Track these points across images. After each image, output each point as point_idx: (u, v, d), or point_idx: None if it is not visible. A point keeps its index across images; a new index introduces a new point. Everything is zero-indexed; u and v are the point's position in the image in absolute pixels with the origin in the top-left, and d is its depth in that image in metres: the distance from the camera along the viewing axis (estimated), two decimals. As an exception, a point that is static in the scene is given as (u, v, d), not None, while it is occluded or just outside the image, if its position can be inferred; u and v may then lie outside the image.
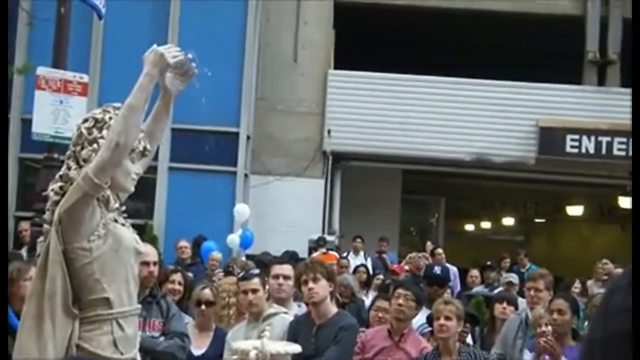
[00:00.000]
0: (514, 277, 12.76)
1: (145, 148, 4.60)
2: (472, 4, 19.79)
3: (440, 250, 16.11)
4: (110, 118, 4.46)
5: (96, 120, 4.50)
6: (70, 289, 4.27)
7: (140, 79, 4.36)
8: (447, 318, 6.70)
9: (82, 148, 4.47)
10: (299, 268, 6.86)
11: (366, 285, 13.11)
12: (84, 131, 4.48)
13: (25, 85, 16.96)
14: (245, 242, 16.01)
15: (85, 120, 4.55)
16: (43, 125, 11.46)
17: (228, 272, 10.23)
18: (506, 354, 7.77)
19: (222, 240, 15.62)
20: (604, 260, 13.78)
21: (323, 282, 6.50)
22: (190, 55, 4.50)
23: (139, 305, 4.68)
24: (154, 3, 18.32)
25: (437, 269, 8.98)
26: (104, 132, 4.41)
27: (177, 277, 8.06)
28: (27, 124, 15.17)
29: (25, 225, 13.23)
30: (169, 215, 17.71)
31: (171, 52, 4.41)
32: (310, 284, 6.50)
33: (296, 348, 5.41)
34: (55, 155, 11.05)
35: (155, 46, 4.44)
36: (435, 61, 19.50)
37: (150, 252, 6.43)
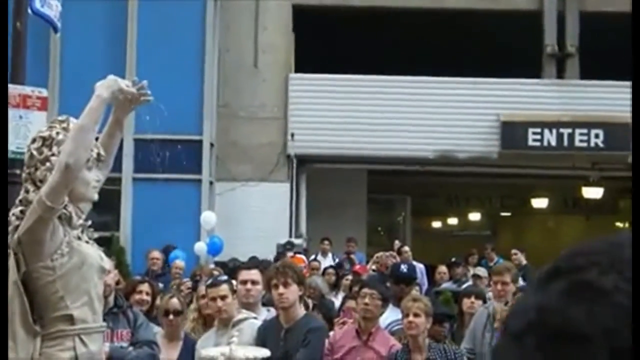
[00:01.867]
0: (481, 271, 12.84)
1: (99, 154, 4.60)
2: (430, 3, 20.03)
3: (406, 248, 16.15)
4: (58, 133, 4.48)
5: (44, 139, 4.51)
6: (28, 308, 4.29)
7: (91, 101, 4.40)
8: (416, 315, 6.77)
9: (36, 169, 4.48)
10: (269, 272, 6.89)
11: (335, 286, 13.18)
12: (34, 152, 4.49)
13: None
14: (214, 249, 16.08)
15: (34, 141, 4.57)
16: None
17: (195, 281, 10.20)
18: (475, 347, 7.81)
19: (190, 249, 15.84)
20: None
21: (293, 287, 6.53)
22: (144, 83, 4.56)
23: (104, 324, 4.70)
24: (111, 15, 18.38)
25: (404, 267, 9.06)
26: (54, 148, 4.43)
27: (145, 287, 8.09)
28: None
29: None
30: (136, 226, 17.70)
31: (124, 81, 4.51)
32: (281, 289, 6.51)
33: (265, 352, 5.43)
34: (18, 172, 10.96)
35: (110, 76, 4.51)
36: (395, 61, 19.60)
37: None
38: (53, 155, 4.45)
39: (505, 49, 19.01)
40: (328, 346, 6.95)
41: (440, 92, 19.69)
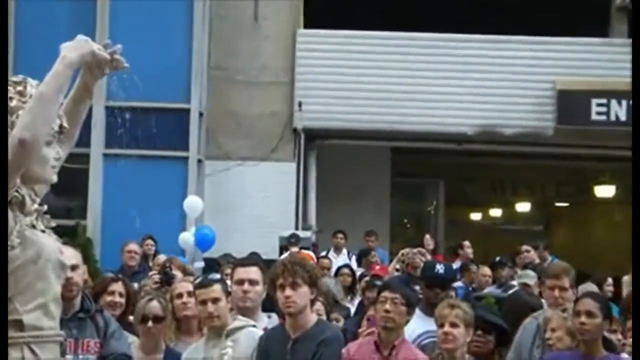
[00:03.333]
0: (529, 276, 12.86)
1: (61, 126, 4.46)
2: None
3: (467, 243, 16.98)
4: (11, 99, 4.36)
5: None
6: None
7: (55, 65, 4.23)
8: (453, 325, 6.79)
9: None
10: (275, 269, 6.87)
11: (350, 290, 13.29)
12: None
13: None
14: (204, 243, 16.31)
15: None
16: None
17: (166, 274, 10.06)
18: None
19: (174, 242, 16.13)
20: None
21: (304, 289, 6.58)
22: (119, 47, 4.42)
23: (62, 332, 4.57)
24: None
25: (440, 267, 8.92)
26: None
27: (118, 287, 8.07)
28: None
29: None
30: (106, 213, 17.90)
31: (96, 44, 4.34)
32: (288, 291, 6.55)
33: None
34: None
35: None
36: (427, 15, 19.68)
37: (67, 254, 6.09)
38: None
39: (565, 2, 19.26)
40: None
41: (483, 54, 19.89)
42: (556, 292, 7.86)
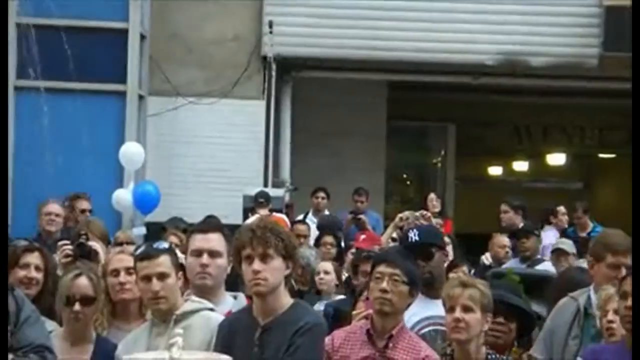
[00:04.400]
0: (566, 244, 13.19)
1: None
2: None
3: (562, 209, 17.59)
4: None
5: None
6: None
7: None
8: (466, 309, 6.79)
9: None
10: (240, 237, 6.80)
11: (336, 261, 13.14)
12: None
13: None
14: (146, 203, 16.67)
15: None
16: None
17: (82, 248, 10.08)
18: (554, 354, 7.93)
19: (107, 200, 16.49)
20: None
21: (277, 262, 6.56)
22: None
23: None
24: None
25: (413, 234, 8.77)
26: None
27: (33, 258, 8.14)
28: None
29: None
30: (19, 164, 17.80)
31: None
32: (257, 264, 6.52)
33: None
34: None
35: None
36: None
37: None
38: None
39: None
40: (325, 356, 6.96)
41: None
42: (623, 272, 7.76)
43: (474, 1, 20.00)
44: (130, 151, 17.11)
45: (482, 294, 6.87)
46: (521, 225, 15.78)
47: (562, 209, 18.38)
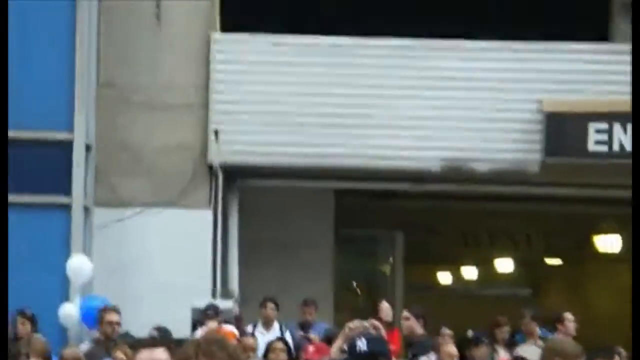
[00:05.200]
0: (529, 351, 13.66)
1: None
2: None
3: (569, 316, 16.46)
4: None
5: None
6: None
7: None
8: None
9: None
10: (186, 350, 6.14)
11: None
12: None
13: None
14: (93, 318, 15.63)
15: None
16: None
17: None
18: None
19: (53, 317, 15.93)
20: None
21: None
22: None
23: None
24: None
25: (361, 343, 8.32)
26: None
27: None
28: None
29: None
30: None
31: None
32: None
33: None
34: None
35: None
36: (378, 16, 20.10)
37: None
38: None
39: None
40: None
41: (449, 66, 19.45)
42: None
43: (418, 108, 19.13)
44: (77, 264, 16.59)
45: None
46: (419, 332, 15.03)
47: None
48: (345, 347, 11.60)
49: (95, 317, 15.51)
